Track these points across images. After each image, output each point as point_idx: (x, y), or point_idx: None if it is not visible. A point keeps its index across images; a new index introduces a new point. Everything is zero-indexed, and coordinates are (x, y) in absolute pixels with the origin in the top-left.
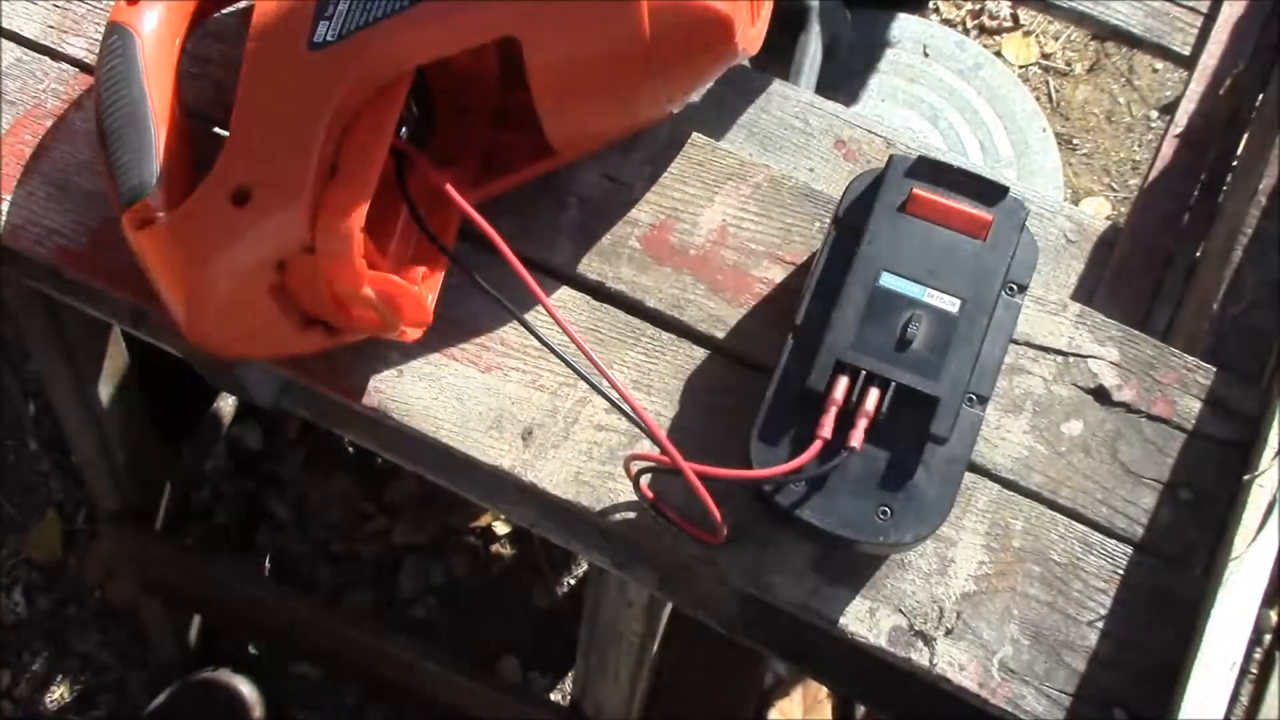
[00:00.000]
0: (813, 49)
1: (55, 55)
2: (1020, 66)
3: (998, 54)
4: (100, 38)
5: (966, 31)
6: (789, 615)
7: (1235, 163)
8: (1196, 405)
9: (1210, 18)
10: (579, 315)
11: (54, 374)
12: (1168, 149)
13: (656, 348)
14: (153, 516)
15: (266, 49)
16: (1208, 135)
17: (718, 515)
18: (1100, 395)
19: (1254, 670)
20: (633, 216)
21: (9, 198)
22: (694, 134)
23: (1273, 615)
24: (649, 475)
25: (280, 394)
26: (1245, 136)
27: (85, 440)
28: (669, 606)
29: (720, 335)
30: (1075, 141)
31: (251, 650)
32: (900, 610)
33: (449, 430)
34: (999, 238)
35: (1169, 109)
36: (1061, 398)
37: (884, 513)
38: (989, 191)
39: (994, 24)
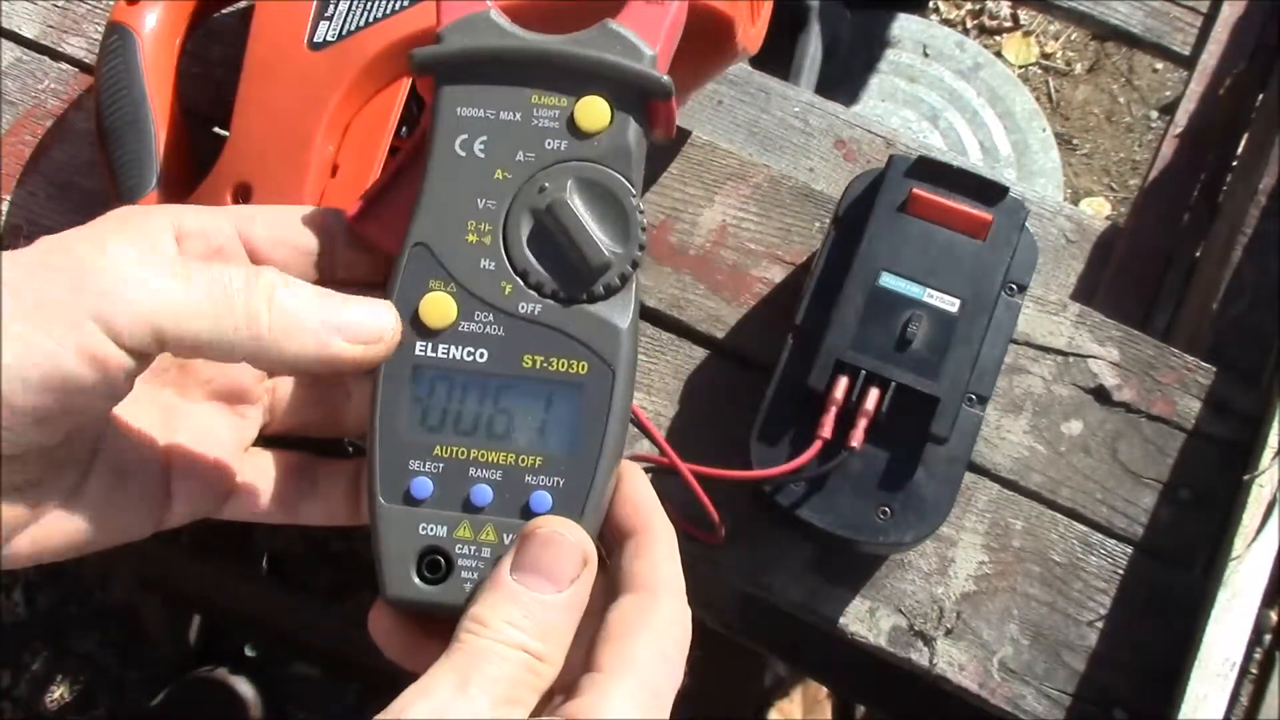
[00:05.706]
0: (813, 49)
1: (55, 55)
2: (1020, 66)
3: (998, 54)
4: (100, 38)
5: (966, 31)
6: (789, 615)
7: (1235, 163)
8: (1196, 405)
9: (1210, 18)
10: None
11: None
12: (1168, 149)
13: (656, 347)
14: None
15: (266, 49)
16: (1208, 135)
17: (715, 515)
18: (1100, 395)
19: (1254, 670)
20: None
21: (9, 198)
22: (694, 134)
23: (1273, 615)
24: (648, 475)
25: None
26: (1245, 136)
27: None
28: None
29: (720, 335)
30: (1075, 141)
31: (249, 651)
32: (900, 610)
33: None
34: (999, 238)
35: (1169, 109)
36: (1061, 398)
37: (884, 513)
38: (989, 191)
39: (994, 24)
